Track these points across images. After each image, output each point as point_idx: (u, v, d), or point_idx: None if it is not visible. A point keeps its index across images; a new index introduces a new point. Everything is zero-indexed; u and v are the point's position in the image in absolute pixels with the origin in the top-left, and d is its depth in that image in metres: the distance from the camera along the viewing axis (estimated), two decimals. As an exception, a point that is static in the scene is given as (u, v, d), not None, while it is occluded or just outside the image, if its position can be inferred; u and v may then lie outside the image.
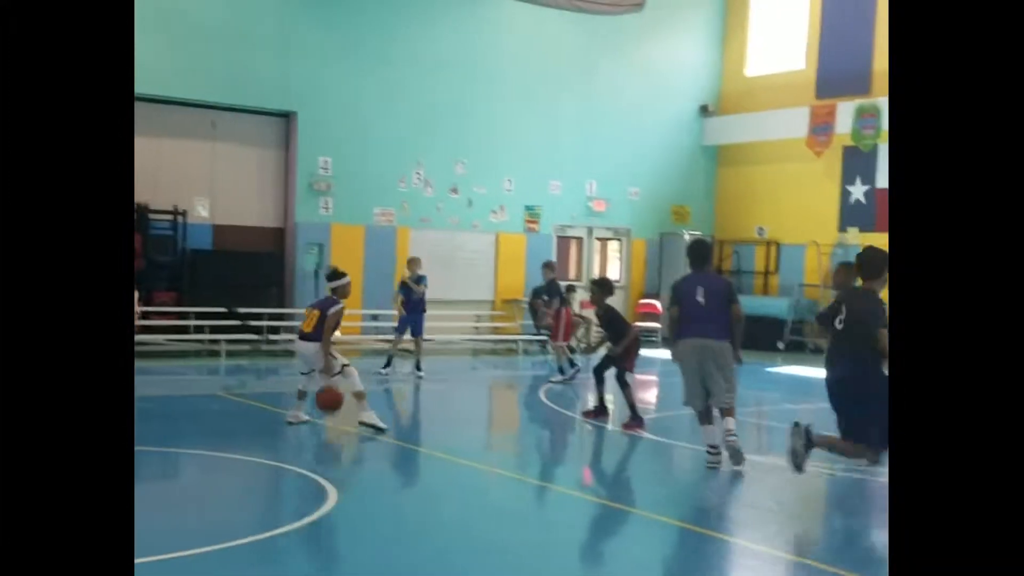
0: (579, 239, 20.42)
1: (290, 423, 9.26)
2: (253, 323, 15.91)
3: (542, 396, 12.42)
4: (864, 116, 18.56)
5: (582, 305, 16.21)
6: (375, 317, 17.11)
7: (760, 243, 20.68)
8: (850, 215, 19.10)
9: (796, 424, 7.03)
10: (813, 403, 10.40)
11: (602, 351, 10.85)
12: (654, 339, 18.43)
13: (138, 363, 6.24)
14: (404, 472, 8.26)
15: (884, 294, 5.51)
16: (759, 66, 21.05)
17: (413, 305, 13.63)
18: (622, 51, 19.97)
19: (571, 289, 15.14)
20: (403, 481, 8.01)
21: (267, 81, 16.50)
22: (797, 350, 18.49)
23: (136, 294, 10.22)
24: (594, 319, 12.20)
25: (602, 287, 10.39)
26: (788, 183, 20.07)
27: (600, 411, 10.34)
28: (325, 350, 8.96)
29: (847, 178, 19.14)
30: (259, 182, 17.10)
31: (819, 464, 7.43)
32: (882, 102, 18.11)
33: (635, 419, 9.71)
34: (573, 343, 14.90)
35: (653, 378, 14.53)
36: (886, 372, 6.35)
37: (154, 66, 14.76)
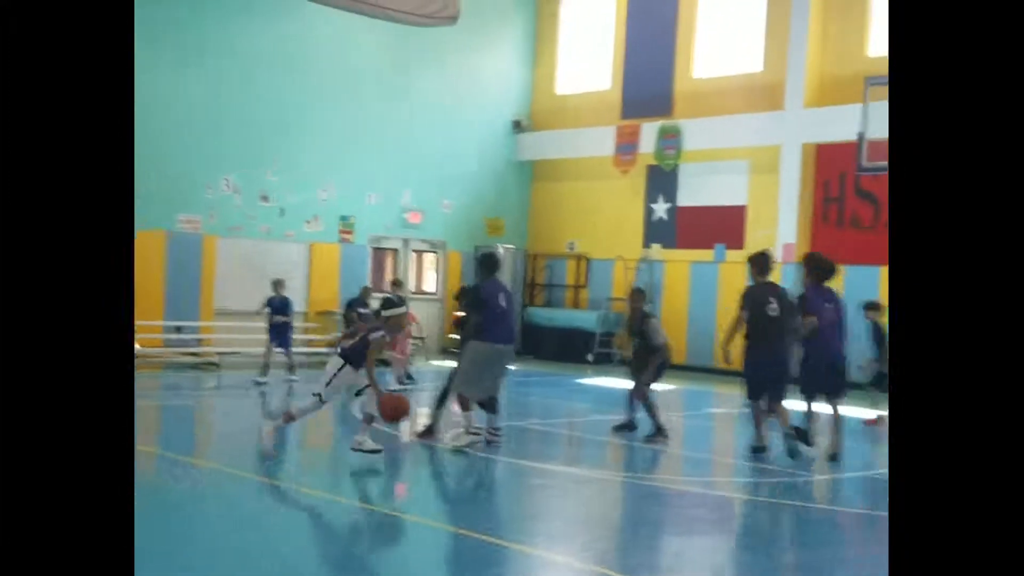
0: (395, 251, 20.34)
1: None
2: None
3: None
4: (666, 136, 19.41)
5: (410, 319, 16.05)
6: (179, 329, 16.41)
7: (571, 257, 21.21)
8: (654, 232, 19.90)
9: (795, 429, 8.97)
10: (619, 414, 10.76)
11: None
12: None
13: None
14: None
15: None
16: (569, 84, 21.60)
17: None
18: (438, 62, 20.02)
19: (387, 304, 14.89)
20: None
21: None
22: (605, 362, 19.09)
23: None
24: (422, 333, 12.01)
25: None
26: (597, 200, 20.67)
27: (431, 431, 9.87)
28: (371, 378, 8.33)
29: (651, 196, 19.95)
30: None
31: (627, 474, 7.67)
32: (683, 123, 19.04)
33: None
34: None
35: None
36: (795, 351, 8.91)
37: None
